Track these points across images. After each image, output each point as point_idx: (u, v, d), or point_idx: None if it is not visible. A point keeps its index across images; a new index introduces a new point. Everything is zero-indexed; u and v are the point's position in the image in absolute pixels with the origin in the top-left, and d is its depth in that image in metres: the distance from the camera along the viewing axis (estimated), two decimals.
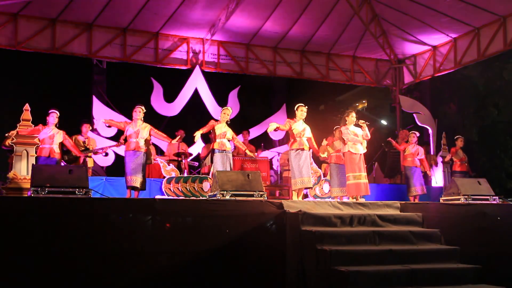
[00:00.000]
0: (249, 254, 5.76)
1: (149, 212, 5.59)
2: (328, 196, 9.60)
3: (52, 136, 8.15)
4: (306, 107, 8.06)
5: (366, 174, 8.13)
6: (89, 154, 9.61)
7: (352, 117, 8.19)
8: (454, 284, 5.39)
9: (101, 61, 12.75)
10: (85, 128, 9.93)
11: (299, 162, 7.82)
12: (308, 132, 8.02)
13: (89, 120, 11.45)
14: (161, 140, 9.24)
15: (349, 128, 8.15)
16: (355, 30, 13.04)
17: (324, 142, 9.52)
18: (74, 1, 11.06)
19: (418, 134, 10.37)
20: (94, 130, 11.74)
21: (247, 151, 8.76)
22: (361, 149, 8.12)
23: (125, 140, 8.15)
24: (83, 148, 9.68)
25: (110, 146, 10.04)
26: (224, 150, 8.11)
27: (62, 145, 8.60)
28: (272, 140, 13.96)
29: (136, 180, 7.80)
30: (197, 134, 8.21)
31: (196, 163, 10.88)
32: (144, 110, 8.23)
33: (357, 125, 8.18)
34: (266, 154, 11.97)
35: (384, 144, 12.30)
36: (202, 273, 5.58)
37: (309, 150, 8.17)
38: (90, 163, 9.77)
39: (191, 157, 11.28)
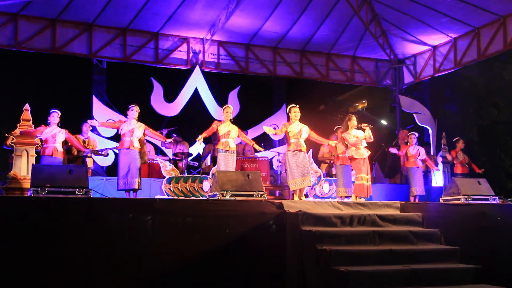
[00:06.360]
0: (249, 254, 5.76)
1: (149, 212, 5.58)
2: (329, 196, 9.60)
3: (54, 135, 8.16)
4: (298, 106, 7.98)
5: (369, 177, 8.20)
6: (89, 155, 9.58)
7: (353, 121, 8.21)
8: (454, 284, 5.39)
9: (101, 61, 12.74)
10: (86, 127, 9.92)
11: (296, 163, 7.79)
12: (305, 133, 7.92)
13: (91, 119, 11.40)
14: (156, 139, 9.35)
15: (351, 132, 8.17)
16: (355, 30, 13.03)
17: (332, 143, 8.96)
18: (74, 1, 11.07)
19: (417, 134, 10.36)
20: (94, 130, 11.73)
21: (255, 146, 8.69)
22: (365, 152, 8.16)
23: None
24: None
25: (111, 148, 10.01)
26: (227, 150, 8.06)
27: (64, 143, 8.58)
28: (272, 140, 13.95)
29: (130, 182, 7.79)
30: (201, 138, 8.21)
31: (196, 163, 10.87)
32: (139, 110, 8.20)
33: (358, 128, 8.19)
34: (266, 154, 11.95)
35: (384, 144, 12.29)
36: (202, 273, 5.58)
37: (308, 151, 8.15)
38: (90, 164, 9.76)
39: (191, 157, 11.28)
